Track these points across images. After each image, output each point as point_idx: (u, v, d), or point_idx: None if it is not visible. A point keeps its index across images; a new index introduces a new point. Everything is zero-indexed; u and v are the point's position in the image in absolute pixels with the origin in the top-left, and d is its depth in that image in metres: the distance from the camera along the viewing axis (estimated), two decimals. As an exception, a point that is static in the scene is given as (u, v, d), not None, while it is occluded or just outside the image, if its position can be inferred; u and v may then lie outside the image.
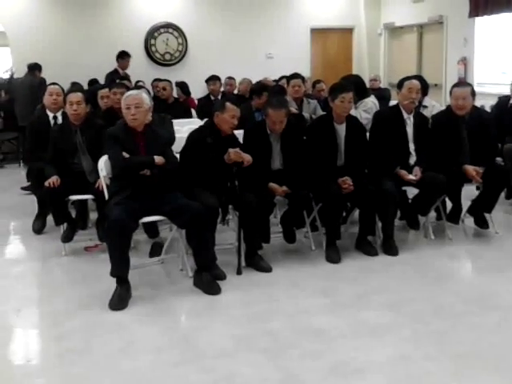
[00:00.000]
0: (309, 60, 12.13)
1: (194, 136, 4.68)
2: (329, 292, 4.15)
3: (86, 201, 5.34)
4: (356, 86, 5.25)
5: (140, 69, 10.60)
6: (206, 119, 5.24)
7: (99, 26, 10.88)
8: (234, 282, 4.31)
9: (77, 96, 5.06)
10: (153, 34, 11.22)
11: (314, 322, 3.69)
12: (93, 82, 9.57)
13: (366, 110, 5.73)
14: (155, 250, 4.89)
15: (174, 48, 11.38)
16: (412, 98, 4.99)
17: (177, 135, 5.61)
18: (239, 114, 4.63)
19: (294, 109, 5.81)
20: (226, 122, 4.55)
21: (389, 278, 4.41)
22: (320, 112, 6.11)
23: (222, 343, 3.43)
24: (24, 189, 6.82)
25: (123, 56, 9.89)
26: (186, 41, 11.40)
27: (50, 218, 5.49)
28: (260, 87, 6.32)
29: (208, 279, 4.16)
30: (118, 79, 7.93)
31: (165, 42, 11.31)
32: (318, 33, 12.25)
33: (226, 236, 4.98)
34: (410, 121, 5.06)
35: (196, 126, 5.05)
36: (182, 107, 7.81)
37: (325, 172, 4.73)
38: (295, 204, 4.74)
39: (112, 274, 3.98)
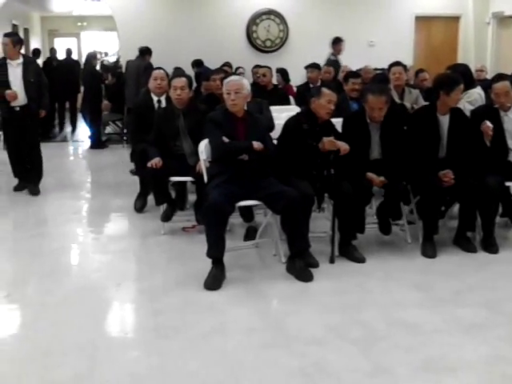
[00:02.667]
0: (412, 48, 11.82)
1: (290, 123, 4.70)
2: (423, 286, 4.07)
3: (185, 182, 5.49)
4: (463, 76, 5.07)
5: (241, 55, 10.73)
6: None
7: (203, 13, 11.08)
8: (327, 271, 4.31)
9: (181, 81, 5.19)
10: (255, 20, 11.30)
11: (406, 315, 3.63)
12: (197, 63, 9.71)
13: (471, 101, 5.51)
14: (249, 234, 4.97)
15: (274, 35, 11.42)
16: (501, 102, 4.78)
17: (275, 122, 5.64)
18: (336, 100, 4.60)
19: (395, 98, 5.71)
20: (323, 107, 4.54)
21: (487, 275, 4.27)
22: (422, 102, 5.96)
23: (313, 330, 3.45)
24: (133, 173, 7.01)
25: (337, 41, 9.97)
26: (288, 28, 11.40)
27: (150, 198, 5.71)
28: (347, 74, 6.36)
29: (301, 266, 4.18)
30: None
31: (266, 29, 11.37)
32: (422, 21, 11.90)
33: (321, 224, 4.97)
34: (508, 117, 4.84)
35: (294, 114, 5.06)
36: (280, 94, 7.82)
37: (425, 164, 4.62)
38: (392, 195, 4.65)
39: (208, 255, 4.08)
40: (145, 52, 9.56)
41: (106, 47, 18.09)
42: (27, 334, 3.46)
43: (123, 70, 10.93)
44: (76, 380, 2.93)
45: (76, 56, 14.78)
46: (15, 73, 6.37)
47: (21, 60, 6.46)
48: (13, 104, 6.39)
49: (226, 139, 4.35)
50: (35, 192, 6.55)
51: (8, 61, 6.40)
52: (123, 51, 11.16)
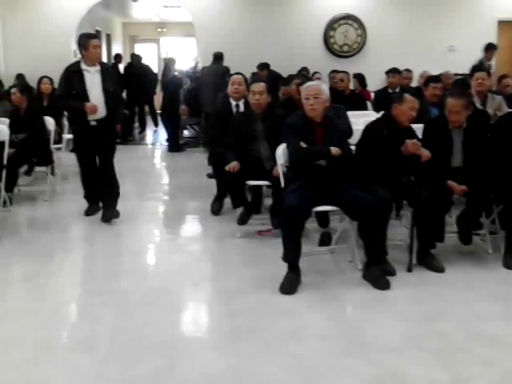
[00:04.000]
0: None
1: (370, 128, 4.65)
2: (505, 298, 3.95)
3: (261, 186, 5.53)
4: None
5: (317, 60, 10.74)
6: (382, 112, 5.18)
7: (280, 17, 11.17)
8: (404, 279, 4.24)
9: (260, 86, 5.24)
10: (332, 25, 11.28)
11: (487, 327, 3.53)
12: (263, 66, 9.75)
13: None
14: (324, 240, 4.95)
15: (352, 39, 11.36)
16: None
17: (352, 127, 5.60)
18: (418, 106, 4.53)
19: (477, 104, 5.56)
20: (404, 113, 4.47)
21: None
22: (506, 109, 5.78)
23: (390, 338, 3.40)
24: (210, 177, 7.10)
25: (490, 47, 9.90)
26: (365, 32, 11.32)
27: (227, 201, 5.79)
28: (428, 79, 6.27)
29: (377, 273, 4.13)
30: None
31: (343, 34, 11.33)
32: (505, 25, 11.57)
33: (398, 232, 4.89)
34: None
35: (372, 119, 5.01)
36: (357, 99, 7.78)
37: (510, 172, 4.47)
38: (474, 204, 4.53)
39: (284, 259, 4.10)
40: (219, 57, 9.71)
41: (185, 53, 18.45)
42: (108, 330, 3.56)
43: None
44: (155, 377, 3.00)
45: (155, 61, 15.16)
46: (93, 81, 5.50)
47: (99, 66, 5.59)
48: (90, 117, 5.49)
49: (303, 144, 4.35)
50: (113, 216, 5.66)
51: (84, 67, 5.50)
52: (201, 57, 11.36)
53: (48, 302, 3.93)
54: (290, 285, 4.01)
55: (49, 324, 3.61)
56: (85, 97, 5.44)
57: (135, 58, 12.64)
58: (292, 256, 4.07)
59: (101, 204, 5.87)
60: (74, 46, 11.20)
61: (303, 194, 4.14)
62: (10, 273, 4.61)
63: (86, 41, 5.46)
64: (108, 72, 5.72)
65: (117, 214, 5.68)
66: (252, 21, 11.13)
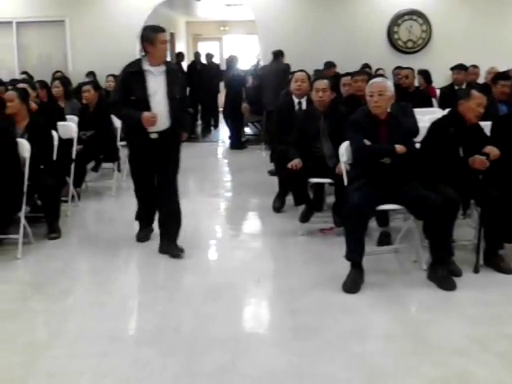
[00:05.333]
0: None
1: (436, 125, 4.56)
2: None
3: (323, 184, 5.50)
4: None
5: (381, 56, 10.57)
6: (448, 109, 5.07)
7: (343, 14, 11.07)
8: (470, 280, 4.13)
9: (323, 83, 5.21)
10: (396, 21, 11.09)
11: (558, 332, 3.42)
12: (330, 65, 9.67)
13: None
14: (383, 239, 4.89)
15: (417, 35, 11.14)
16: None
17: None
18: (486, 103, 4.41)
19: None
20: (472, 110, 4.36)
21: None
22: None
23: (456, 340, 3.33)
24: (272, 174, 7.12)
25: None
26: (431, 28, 11.08)
27: (288, 198, 5.79)
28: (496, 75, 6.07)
29: (443, 274, 4.05)
30: None
31: (408, 30, 11.12)
32: None
33: (465, 232, 4.77)
34: None
35: (437, 116, 4.91)
36: (422, 96, 7.63)
37: None
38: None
39: (347, 258, 4.07)
40: (279, 55, 9.71)
41: (247, 51, 18.54)
42: (172, 325, 3.62)
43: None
44: (218, 373, 3.03)
45: (218, 60, 15.30)
46: (156, 85, 4.54)
47: (164, 67, 4.63)
48: (149, 129, 4.55)
49: (367, 142, 4.31)
50: (176, 253, 4.67)
51: (147, 67, 4.54)
52: (263, 55, 11.38)
53: (115, 296, 4.03)
54: (353, 284, 3.98)
55: (116, 317, 3.71)
56: (145, 104, 4.50)
57: (207, 56, 12.83)
58: (355, 255, 4.04)
59: (153, 227, 5.13)
60: (140, 45, 11.46)
61: (367, 193, 4.10)
62: (77, 266, 4.76)
63: (153, 35, 4.52)
64: (175, 74, 4.74)
65: (181, 250, 4.68)
66: (314, 17, 11.07)
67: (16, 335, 3.48)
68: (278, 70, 9.35)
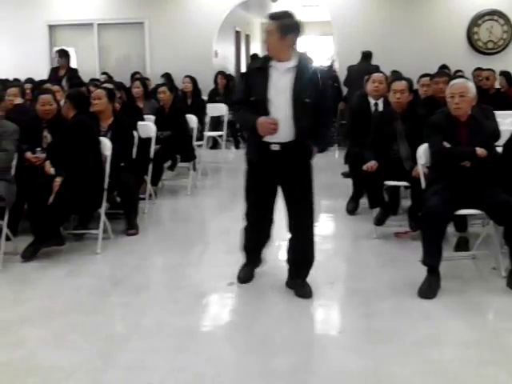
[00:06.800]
0: None
1: (519, 129, 4.42)
2: None
3: (398, 187, 5.42)
4: None
5: (460, 58, 10.33)
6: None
7: (421, 15, 10.87)
8: (554, 290, 3.99)
9: (401, 85, 5.14)
10: (476, 21, 10.80)
11: None
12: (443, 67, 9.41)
13: None
14: (461, 245, 4.75)
15: (497, 36, 10.83)
16: None
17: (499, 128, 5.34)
18: None
19: None
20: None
21: None
22: None
23: (537, 351, 3.22)
24: (346, 176, 7.02)
25: None
26: (512, 28, 10.74)
27: (362, 201, 5.73)
28: None
29: (524, 282, 3.91)
30: None
31: (488, 30, 10.81)
32: None
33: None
34: None
35: (521, 119, 4.76)
36: (503, 98, 7.41)
37: None
38: None
39: (424, 263, 3.99)
40: (368, 55, 9.65)
41: (320, 51, 18.49)
42: (246, 322, 3.65)
43: (337, 73, 11.15)
44: (292, 372, 3.04)
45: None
46: (280, 84, 3.67)
47: (293, 63, 3.71)
48: (268, 139, 3.70)
49: (446, 144, 4.22)
50: (303, 293, 3.95)
51: (273, 62, 3.72)
52: (340, 55, 11.31)
53: (189, 292, 4.10)
54: (430, 289, 3.90)
55: (190, 313, 3.78)
56: (263, 107, 3.68)
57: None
58: (432, 260, 3.96)
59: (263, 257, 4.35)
60: (216, 47, 11.63)
61: (446, 196, 4.01)
62: (153, 262, 4.88)
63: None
64: (307, 72, 3.72)
65: (310, 291, 3.97)
66: (391, 18, 10.92)
67: (95, 328, 3.59)
68: (366, 70, 9.25)
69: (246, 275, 4.20)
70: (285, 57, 3.69)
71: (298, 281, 4.01)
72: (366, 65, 9.46)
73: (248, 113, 3.77)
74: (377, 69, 8.79)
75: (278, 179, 3.89)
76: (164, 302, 3.99)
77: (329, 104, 4.05)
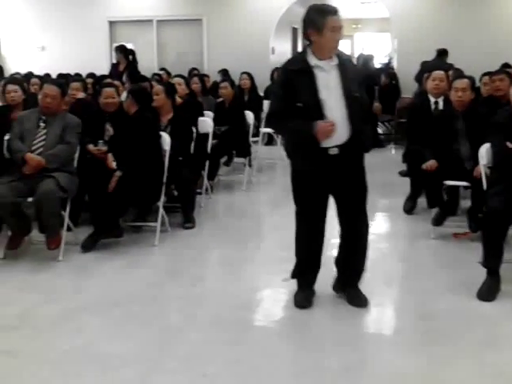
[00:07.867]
0: None
1: None
2: None
3: (458, 187, 5.31)
4: None
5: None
6: None
7: (482, 11, 10.65)
8: None
9: (463, 83, 5.03)
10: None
11: None
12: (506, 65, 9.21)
13: None
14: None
15: None
16: None
17: None
18: None
19: None
20: None
21: None
22: None
23: None
24: (403, 174, 6.90)
25: None
26: None
27: (420, 200, 5.65)
28: None
29: None
30: None
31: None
32: None
33: None
34: None
35: None
36: None
37: None
38: None
39: (484, 265, 3.91)
40: (443, 53, 9.54)
41: (377, 49, 18.31)
42: (299, 319, 3.64)
43: (395, 70, 11.02)
44: (345, 371, 3.03)
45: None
46: (330, 83, 3.46)
47: (336, 60, 3.50)
48: (326, 144, 3.46)
49: (510, 144, 4.12)
50: (358, 304, 3.77)
51: (314, 61, 3.46)
52: (397, 52, 11.17)
53: (244, 286, 4.14)
54: (489, 291, 3.82)
55: (245, 306, 3.80)
56: (317, 111, 3.43)
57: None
58: (493, 262, 3.87)
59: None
60: (273, 43, 11.65)
61: (508, 197, 3.91)
62: (209, 256, 4.94)
63: (320, 19, 3.39)
64: (350, 67, 3.64)
65: (365, 300, 3.78)
66: (452, 15, 10.70)
67: (152, 318, 3.66)
68: (439, 67, 9.10)
69: (303, 300, 3.78)
70: (333, 54, 3.50)
71: (351, 290, 3.81)
72: (440, 62, 9.32)
73: (298, 122, 3.45)
74: (451, 67, 8.67)
75: (332, 187, 3.65)
76: (219, 295, 4.03)
77: (366, 99, 3.85)
